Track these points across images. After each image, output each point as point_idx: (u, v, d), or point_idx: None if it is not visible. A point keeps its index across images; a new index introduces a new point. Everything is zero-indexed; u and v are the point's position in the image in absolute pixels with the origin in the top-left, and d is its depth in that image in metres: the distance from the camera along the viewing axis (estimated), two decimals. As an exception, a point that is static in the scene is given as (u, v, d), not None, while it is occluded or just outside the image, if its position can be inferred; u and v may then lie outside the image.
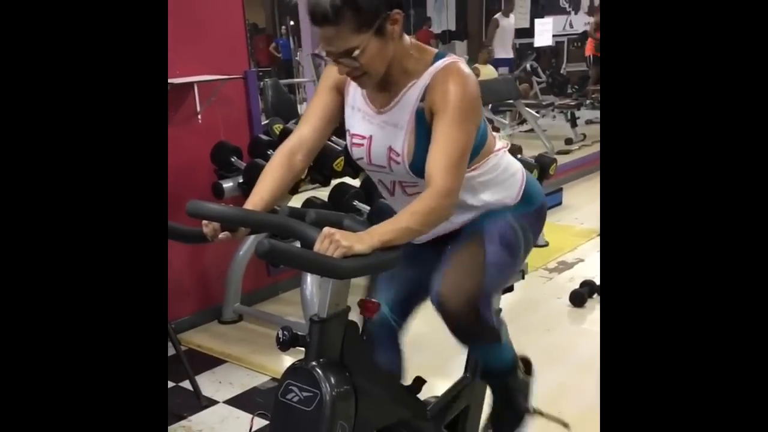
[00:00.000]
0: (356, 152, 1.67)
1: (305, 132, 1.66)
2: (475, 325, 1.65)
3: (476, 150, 1.61)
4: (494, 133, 1.76)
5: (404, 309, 1.84)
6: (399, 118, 1.57)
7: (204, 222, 1.52)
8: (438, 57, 1.56)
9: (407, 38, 1.55)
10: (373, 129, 1.62)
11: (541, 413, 2.00)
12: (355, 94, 1.64)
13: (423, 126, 1.54)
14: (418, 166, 1.54)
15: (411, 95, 1.55)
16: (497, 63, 9.05)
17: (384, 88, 1.58)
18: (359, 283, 1.67)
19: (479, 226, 1.71)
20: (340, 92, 1.67)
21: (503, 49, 9.43)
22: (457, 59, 1.56)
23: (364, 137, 1.64)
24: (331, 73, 1.65)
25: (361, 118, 1.64)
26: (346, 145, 1.75)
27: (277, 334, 1.51)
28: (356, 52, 1.44)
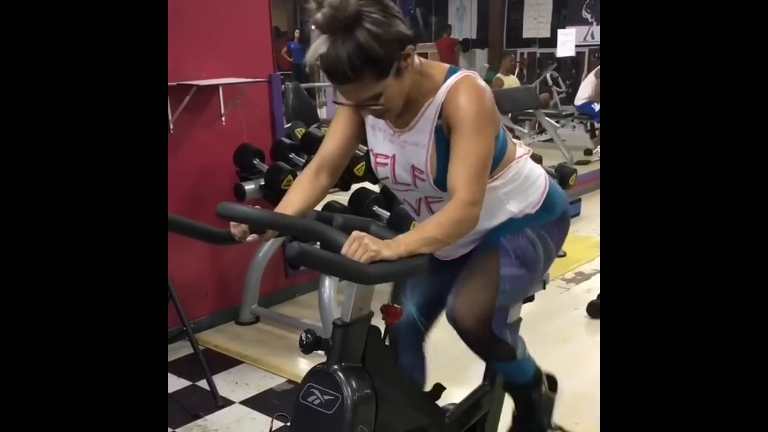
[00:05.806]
0: (381, 172, 1.69)
1: (327, 152, 1.68)
2: (488, 342, 1.68)
3: (496, 160, 1.61)
4: (515, 140, 1.76)
5: (431, 311, 1.87)
6: (419, 138, 1.58)
7: (232, 223, 1.54)
8: (450, 72, 1.56)
9: (417, 60, 1.54)
10: (395, 148, 1.63)
11: (562, 430, 2.00)
12: None
13: (443, 141, 1.55)
14: (441, 180, 1.55)
15: (429, 114, 1.56)
16: None
17: (402, 110, 1.57)
18: (383, 288, 1.68)
19: (495, 242, 1.71)
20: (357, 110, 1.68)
21: None
22: (469, 73, 1.56)
23: (387, 156, 1.65)
24: None
25: (382, 138, 1.65)
26: (367, 151, 1.76)
27: (300, 336, 1.52)
28: (381, 99, 1.45)
